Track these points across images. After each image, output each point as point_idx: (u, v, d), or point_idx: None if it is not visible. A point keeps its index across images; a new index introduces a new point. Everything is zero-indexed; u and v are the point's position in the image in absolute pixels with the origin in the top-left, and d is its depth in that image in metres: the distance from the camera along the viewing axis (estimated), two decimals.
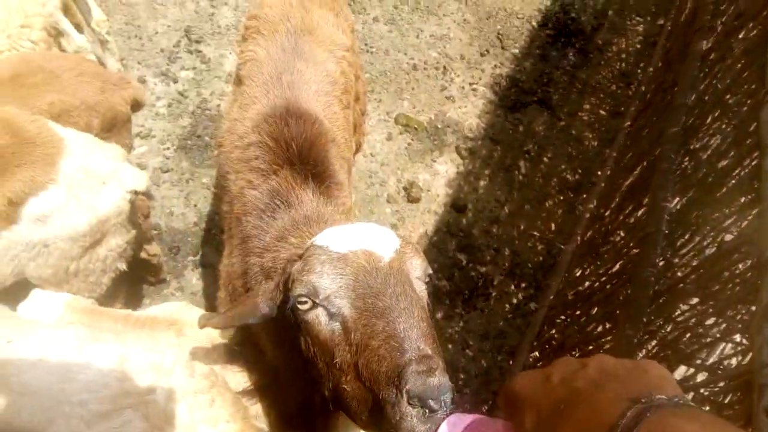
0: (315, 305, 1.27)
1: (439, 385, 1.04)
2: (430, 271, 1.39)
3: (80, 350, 1.84)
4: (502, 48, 5.05)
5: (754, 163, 1.79)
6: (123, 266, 2.50)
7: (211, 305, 3.10)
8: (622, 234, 2.79)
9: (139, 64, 4.28)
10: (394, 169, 4.17)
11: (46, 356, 1.76)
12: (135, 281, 3.19)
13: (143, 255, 2.94)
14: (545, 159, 4.42)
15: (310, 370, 1.38)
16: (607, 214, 3.26)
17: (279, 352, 1.71)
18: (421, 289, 1.33)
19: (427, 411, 1.02)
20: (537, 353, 3.18)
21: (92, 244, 2.28)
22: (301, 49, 2.40)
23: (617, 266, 2.55)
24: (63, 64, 2.63)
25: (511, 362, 3.41)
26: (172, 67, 4.31)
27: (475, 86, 4.76)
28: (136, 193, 2.39)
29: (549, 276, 3.66)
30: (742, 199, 1.74)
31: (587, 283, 2.91)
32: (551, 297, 3.25)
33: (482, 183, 4.23)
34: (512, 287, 3.76)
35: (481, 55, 4.97)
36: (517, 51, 5.05)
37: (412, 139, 4.34)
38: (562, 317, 2.98)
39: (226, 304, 2.09)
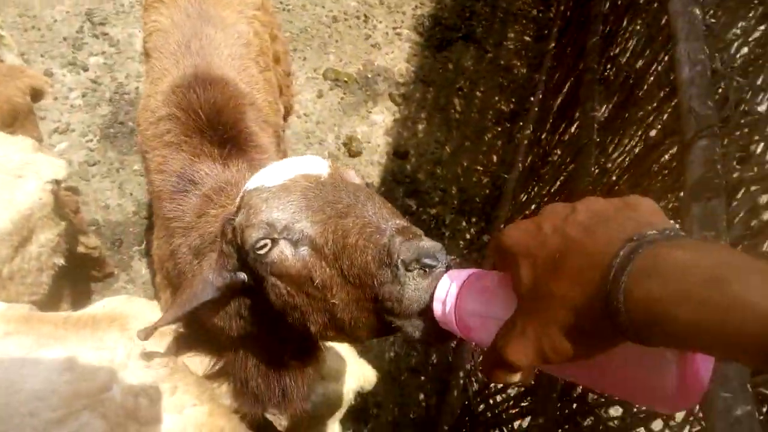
0: (275, 242, 1.17)
1: (431, 245, 1.02)
2: (363, 182, 1.34)
3: (23, 359, 1.75)
4: None
5: (667, 56, 1.81)
6: (60, 261, 2.37)
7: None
8: (558, 152, 2.82)
9: (42, 56, 4.01)
10: (331, 126, 4.08)
11: None
12: (80, 279, 3.06)
13: (81, 249, 2.82)
14: (478, 93, 4.41)
15: (289, 316, 1.26)
16: (543, 136, 3.30)
17: (235, 324, 1.62)
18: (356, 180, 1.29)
19: (425, 270, 0.99)
20: None
21: (21, 243, 2.15)
22: (208, 13, 2.27)
23: (557, 184, 2.58)
24: None
25: None
26: (79, 55, 4.06)
27: (398, 30, 4.67)
28: (57, 182, 2.25)
29: (497, 207, 3.70)
30: (662, 94, 1.77)
31: (533, 206, 2.95)
32: (501, 226, 3.29)
33: (420, 127, 4.20)
34: (464, 223, 3.80)
35: None
36: None
37: (344, 93, 4.25)
38: None
39: (164, 288, 2.01)
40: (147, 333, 1.49)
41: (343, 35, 4.54)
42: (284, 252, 1.17)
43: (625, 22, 2.42)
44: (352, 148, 3.95)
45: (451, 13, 4.81)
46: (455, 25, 4.73)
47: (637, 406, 1.59)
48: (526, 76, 4.52)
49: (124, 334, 2.02)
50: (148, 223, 3.52)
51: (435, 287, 0.95)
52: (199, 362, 2.04)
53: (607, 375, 0.69)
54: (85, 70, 4.02)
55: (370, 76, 4.37)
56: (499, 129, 4.24)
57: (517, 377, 0.72)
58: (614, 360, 0.65)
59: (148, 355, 1.89)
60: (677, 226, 0.63)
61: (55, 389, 1.66)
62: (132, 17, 4.29)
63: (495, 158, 4.09)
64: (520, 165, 3.49)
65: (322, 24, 4.57)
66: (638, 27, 2.27)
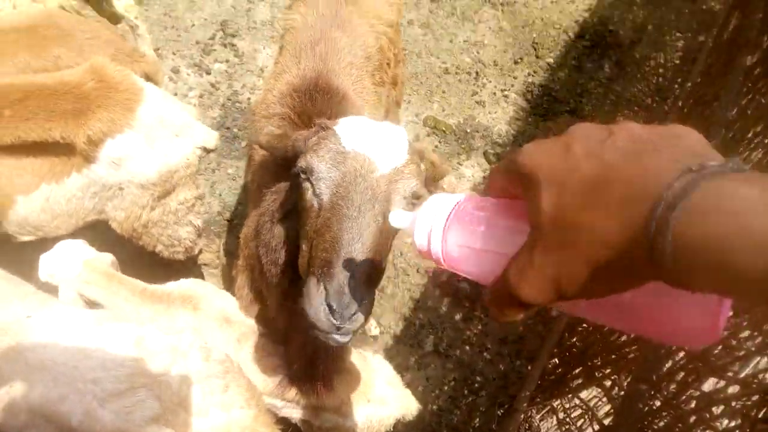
0: (308, 180, 1.46)
1: (349, 302, 1.25)
2: (422, 193, 1.44)
3: (97, 328, 1.83)
4: (537, 57, 4.99)
5: None
6: (198, 222, 2.59)
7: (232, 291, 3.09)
8: None
9: (173, 54, 4.34)
10: None
11: (63, 333, 1.76)
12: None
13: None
14: None
15: (300, 239, 1.53)
16: None
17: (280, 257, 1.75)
18: (400, 204, 1.42)
19: (331, 310, 1.27)
20: (557, 360, 3.10)
21: (162, 194, 2.35)
22: (341, 18, 2.38)
23: None
24: (80, 26, 2.59)
25: (529, 367, 3.34)
26: (205, 59, 4.36)
27: (506, 93, 4.71)
28: (206, 150, 2.42)
29: None
30: None
31: None
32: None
33: None
34: None
35: (515, 62, 4.92)
36: (551, 60, 4.99)
37: (440, 141, 4.31)
38: (584, 325, 2.90)
39: (242, 270, 2.11)
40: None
41: (451, 87, 4.63)
42: (307, 189, 1.46)
43: (751, 133, 2.32)
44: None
45: (563, 86, 4.80)
46: (564, 99, 4.72)
47: None
48: None
49: (196, 314, 2.10)
50: (228, 225, 3.66)
51: (417, 215, 0.82)
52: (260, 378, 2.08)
53: (624, 312, 0.62)
54: (208, 73, 4.30)
55: (468, 130, 4.42)
56: None
57: (523, 315, 0.65)
58: (637, 297, 0.58)
59: (207, 350, 1.94)
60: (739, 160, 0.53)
61: (122, 363, 1.72)
62: (261, 34, 4.58)
63: None
64: None
65: (434, 74, 4.68)
66: (767, 141, 2.16)
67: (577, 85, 4.83)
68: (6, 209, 2.22)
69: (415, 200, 1.42)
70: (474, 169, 4.23)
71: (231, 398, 1.81)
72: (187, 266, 3.44)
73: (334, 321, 1.27)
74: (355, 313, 1.27)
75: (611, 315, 0.65)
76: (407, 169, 1.42)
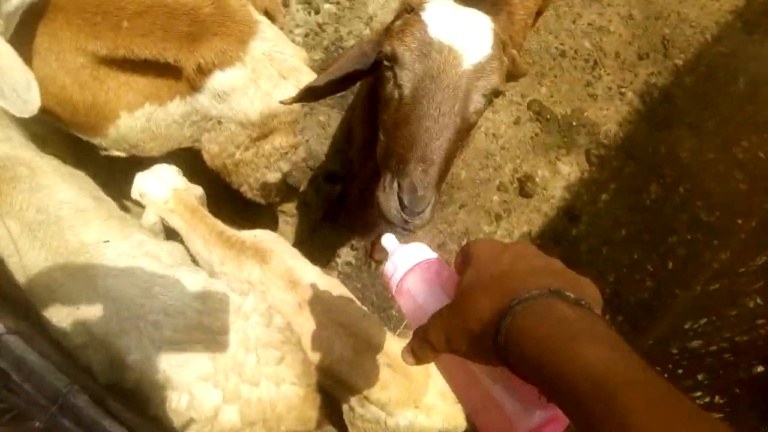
0: (390, 68, 1.42)
1: (419, 200, 1.30)
2: (502, 89, 1.44)
3: (169, 270, 1.80)
4: (665, 55, 4.54)
5: None
6: (286, 167, 2.53)
7: (304, 247, 3.03)
8: (759, 301, 2.43)
9: None
10: (513, 157, 3.89)
11: (136, 267, 1.74)
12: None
13: None
14: (681, 190, 3.98)
15: (375, 117, 1.55)
16: (741, 271, 2.87)
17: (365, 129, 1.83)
18: (478, 102, 1.41)
19: (401, 205, 1.31)
20: None
21: (259, 137, 2.28)
22: None
23: (745, 338, 2.21)
24: None
25: None
26: None
27: (623, 90, 4.33)
28: None
29: (650, 319, 3.32)
30: None
31: (698, 343, 2.58)
32: (650, 342, 2.94)
33: (604, 197, 3.88)
34: (607, 317, 3.46)
35: (639, 57, 4.49)
36: (680, 62, 4.52)
37: (541, 130, 4.02)
38: (658, 368, 2.69)
39: None
40: (291, 99, 1.64)
41: (564, 73, 4.29)
42: (389, 78, 1.43)
43: None
44: (525, 188, 3.74)
45: (687, 95, 4.36)
46: (685, 109, 4.29)
47: None
48: (743, 194, 4.01)
49: (264, 268, 2.05)
50: (312, 174, 3.59)
51: (399, 249, 1.01)
52: None
53: (471, 385, 0.79)
54: (317, 12, 4.14)
55: (574, 124, 4.10)
56: (689, 237, 3.80)
57: (433, 357, 0.82)
58: (484, 378, 0.76)
59: (269, 315, 1.88)
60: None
61: (184, 312, 1.67)
62: None
63: (671, 265, 3.67)
64: (699, 287, 3.08)
65: (549, 54, 4.34)
66: None
67: (704, 95, 4.37)
68: (108, 123, 2.20)
69: (494, 97, 1.44)
70: (572, 168, 3.94)
71: (284, 372, 1.75)
72: (265, 210, 3.43)
73: (404, 216, 1.32)
74: (422, 211, 1.32)
75: (462, 381, 0.82)
76: (490, 64, 1.39)
